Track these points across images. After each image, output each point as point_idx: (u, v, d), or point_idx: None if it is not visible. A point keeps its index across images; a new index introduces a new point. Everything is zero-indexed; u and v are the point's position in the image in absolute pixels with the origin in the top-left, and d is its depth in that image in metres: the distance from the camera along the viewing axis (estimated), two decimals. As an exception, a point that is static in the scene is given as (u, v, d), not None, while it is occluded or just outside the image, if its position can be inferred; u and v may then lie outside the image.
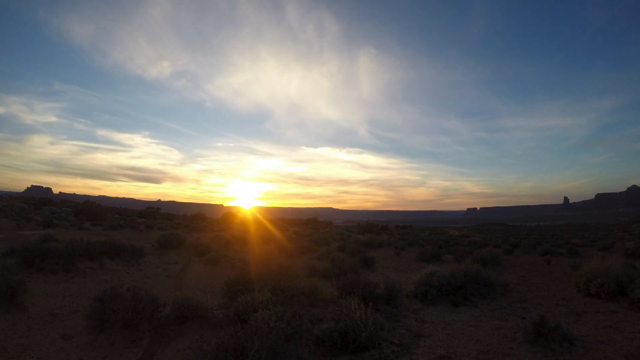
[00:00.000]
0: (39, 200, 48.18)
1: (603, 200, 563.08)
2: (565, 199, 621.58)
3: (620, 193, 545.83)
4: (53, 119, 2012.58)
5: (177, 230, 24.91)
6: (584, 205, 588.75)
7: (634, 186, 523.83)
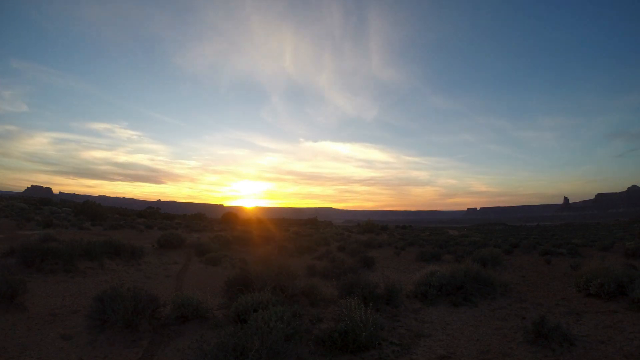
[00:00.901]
0: (39, 200, 48.21)
1: (603, 200, 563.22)
2: (565, 199, 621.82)
3: (620, 193, 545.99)
4: (24, 107, 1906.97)
5: (177, 230, 24.92)
6: (584, 205, 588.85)
7: (634, 186, 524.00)
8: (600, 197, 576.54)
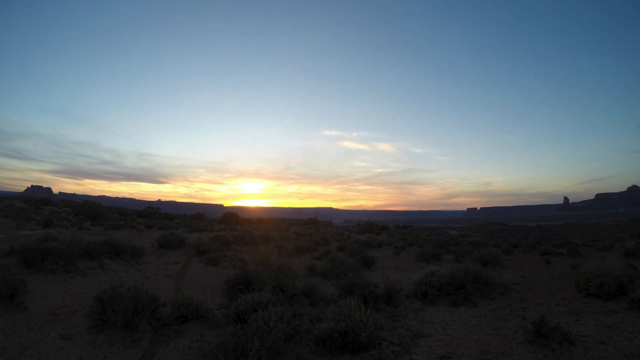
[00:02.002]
0: (39, 200, 48.20)
1: (603, 200, 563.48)
2: (565, 199, 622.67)
3: (620, 193, 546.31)
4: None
5: (177, 230, 24.90)
6: (584, 205, 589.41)
7: (634, 186, 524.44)
8: (600, 197, 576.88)
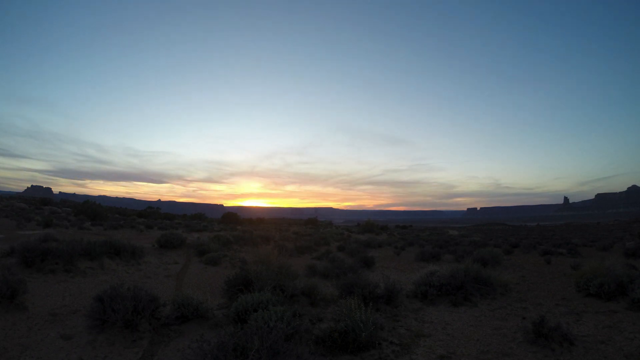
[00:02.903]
0: (39, 200, 48.20)
1: (603, 200, 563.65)
2: (565, 199, 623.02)
3: (620, 193, 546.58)
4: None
5: (177, 230, 24.90)
6: (584, 205, 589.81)
7: (634, 186, 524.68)
8: (600, 197, 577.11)
